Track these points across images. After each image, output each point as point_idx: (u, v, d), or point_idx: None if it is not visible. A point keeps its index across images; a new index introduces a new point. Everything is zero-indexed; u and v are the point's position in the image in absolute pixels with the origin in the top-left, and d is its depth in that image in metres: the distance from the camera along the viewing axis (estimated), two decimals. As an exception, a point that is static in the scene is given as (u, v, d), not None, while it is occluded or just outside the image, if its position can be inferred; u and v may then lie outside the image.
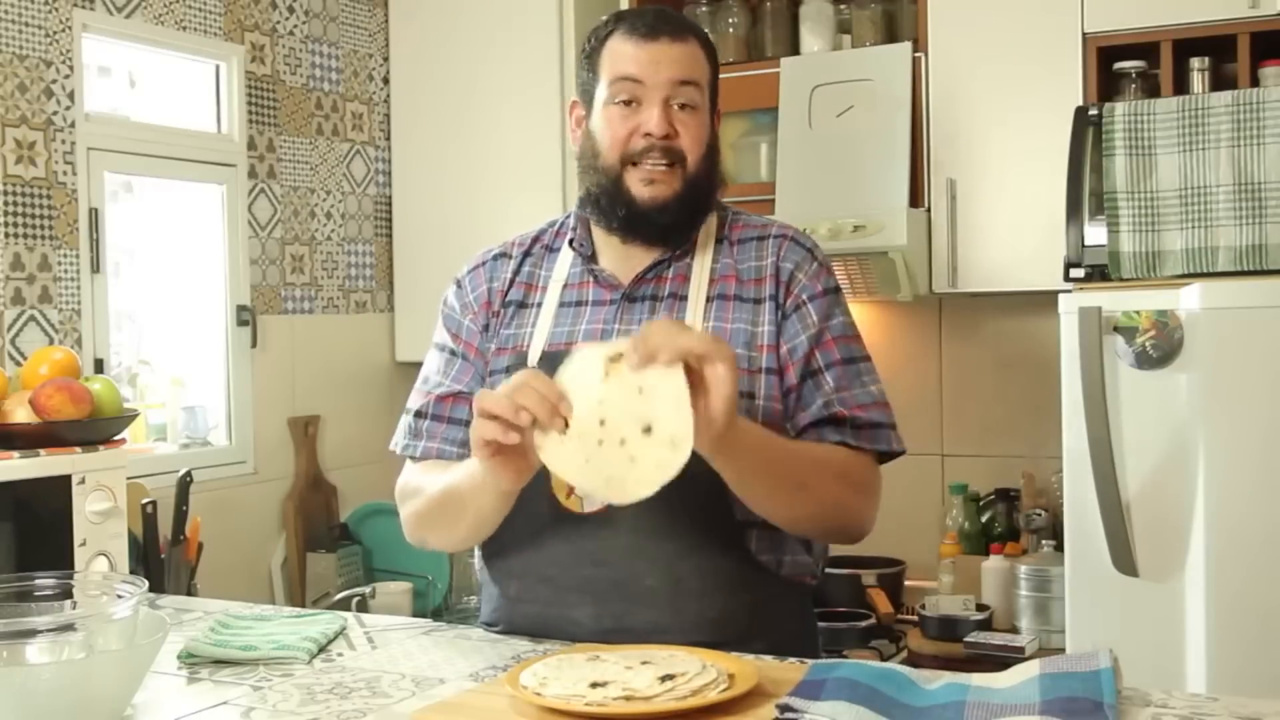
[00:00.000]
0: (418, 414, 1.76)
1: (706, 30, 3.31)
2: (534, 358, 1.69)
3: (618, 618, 1.60)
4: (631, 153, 1.65)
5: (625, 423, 1.36)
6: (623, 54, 1.66)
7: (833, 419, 1.63)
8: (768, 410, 1.64)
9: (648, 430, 1.36)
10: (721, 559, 1.62)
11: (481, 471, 1.47)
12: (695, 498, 1.56)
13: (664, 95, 1.64)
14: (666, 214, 1.66)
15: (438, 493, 1.65)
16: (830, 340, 1.67)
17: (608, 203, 1.68)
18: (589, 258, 1.74)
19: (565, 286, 1.75)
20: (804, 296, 1.68)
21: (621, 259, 1.72)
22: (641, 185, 1.65)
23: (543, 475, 1.62)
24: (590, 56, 1.71)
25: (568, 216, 1.81)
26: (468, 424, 1.71)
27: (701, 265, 1.71)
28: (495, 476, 1.45)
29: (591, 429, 1.37)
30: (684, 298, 1.69)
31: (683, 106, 1.65)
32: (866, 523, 1.66)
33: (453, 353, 1.78)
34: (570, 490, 1.61)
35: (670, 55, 1.65)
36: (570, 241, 1.77)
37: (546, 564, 1.64)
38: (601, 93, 1.68)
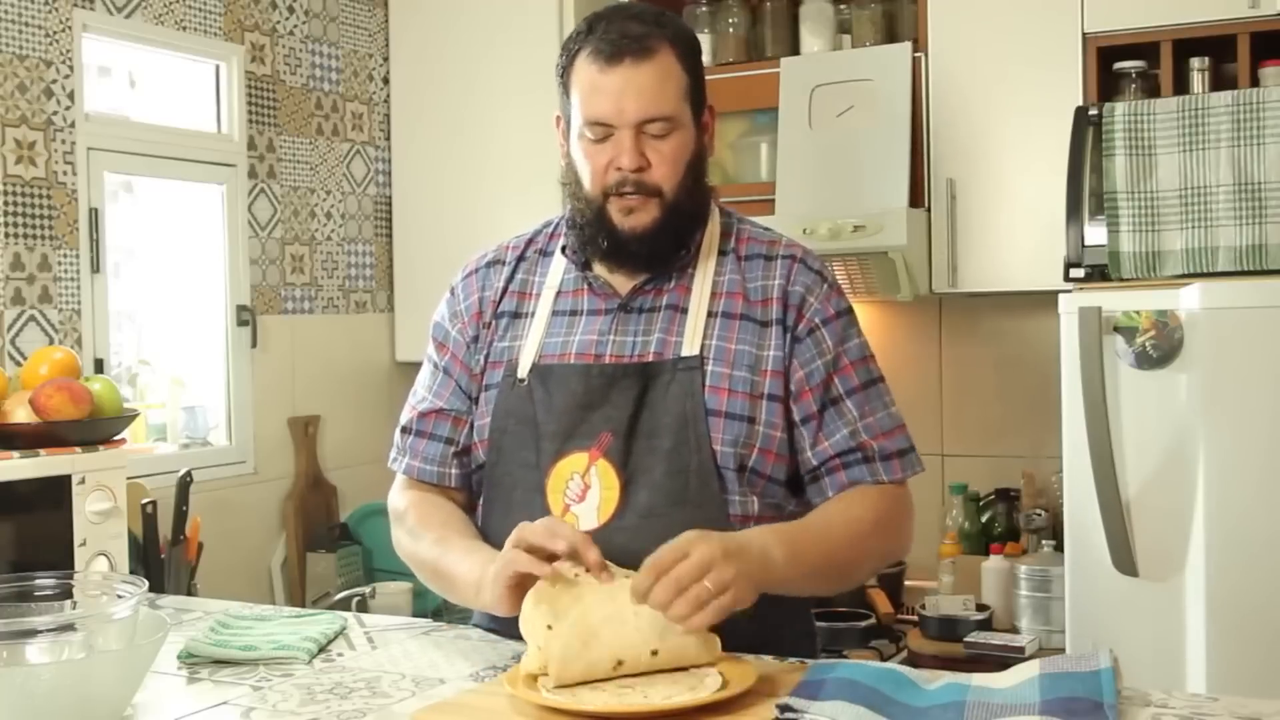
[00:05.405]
0: (403, 429, 1.79)
1: (706, 30, 3.36)
2: (524, 369, 1.68)
3: None
4: (609, 186, 1.64)
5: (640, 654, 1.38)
6: (590, 85, 1.63)
7: (859, 449, 1.65)
8: (765, 436, 1.63)
9: (655, 653, 1.37)
10: None
11: (486, 596, 1.49)
12: (691, 506, 1.57)
13: (634, 131, 1.62)
14: (646, 244, 1.65)
15: (431, 561, 1.66)
16: (848, 365, 1.67)
17: (591, 232, 1.67)
18: (583, 264, 1.73)
19: (559, 294, 1.73)
20: (817, 320, 1.67)
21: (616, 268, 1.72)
22: (622, 215, 1.64)
23: (538, 491, 1.63)
24: (563, 76, 1.68)
25: (561, 218, 1.79)
26: (446, 441, 1.73)
27: (704, 277, 1.69)
28: (498, 608, 1.47)
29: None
30: (684, 310, 1.68)
31: (655, 135, 1.63)
32: (908, 548, 1.74)
33: (436, 365, 1.78)
34: (566, 508, 1.61)
35: (636, 85, 1.61)
36: (563, 249, 1.75)
37: None
38: (575, 123, 1.67)
